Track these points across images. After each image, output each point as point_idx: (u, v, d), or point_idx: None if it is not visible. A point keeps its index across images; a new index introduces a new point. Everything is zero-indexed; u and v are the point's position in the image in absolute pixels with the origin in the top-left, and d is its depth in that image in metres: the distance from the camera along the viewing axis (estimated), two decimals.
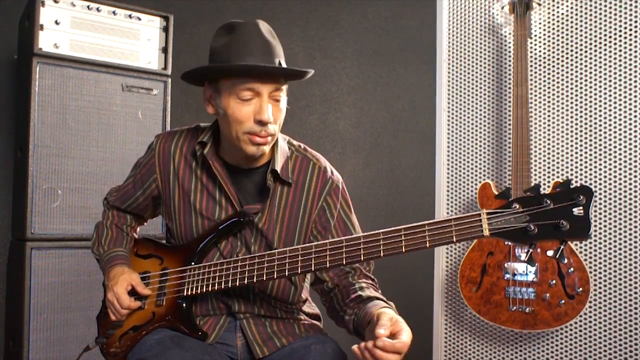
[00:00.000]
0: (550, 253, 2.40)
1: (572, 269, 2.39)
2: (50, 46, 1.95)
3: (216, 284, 1.30)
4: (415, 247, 1.07)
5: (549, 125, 2.72)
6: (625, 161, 2.49)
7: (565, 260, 2.36)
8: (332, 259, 1.15)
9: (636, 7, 2.49)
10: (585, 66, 2.62)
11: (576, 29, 2.65)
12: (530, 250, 1.05)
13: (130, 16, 2.11)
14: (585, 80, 2.62)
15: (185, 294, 1.34)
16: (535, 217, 1.00)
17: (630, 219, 2.46)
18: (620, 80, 2.53)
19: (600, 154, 2.56)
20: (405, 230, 1.08)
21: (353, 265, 1.34)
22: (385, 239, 1.10)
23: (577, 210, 0.97)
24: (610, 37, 2.56)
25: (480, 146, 2.99)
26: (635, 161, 2.47)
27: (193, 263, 1.36)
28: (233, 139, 1.30)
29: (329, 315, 1.41)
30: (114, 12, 2.08)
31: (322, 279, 1.39)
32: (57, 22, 1.96)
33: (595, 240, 2.55)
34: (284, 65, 1.30)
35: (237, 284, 1.27)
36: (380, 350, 1.03)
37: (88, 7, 2.03)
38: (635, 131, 2.48)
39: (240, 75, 1.25)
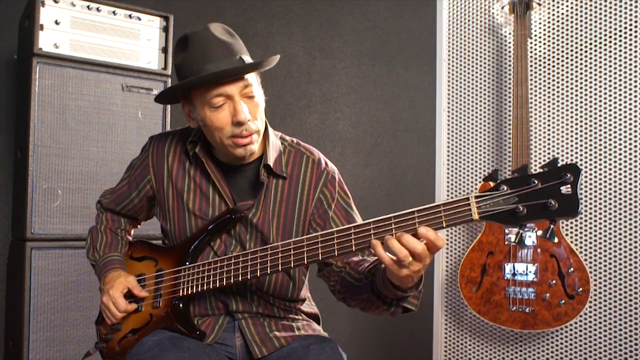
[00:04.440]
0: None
1: (572, 269, 2.39)
2: (50, 46, 1.95)
3: (211, 283, 1.30)
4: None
5: (549, 125, 2.72)
6: (625, 161, 2.49)
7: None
8: (324, 250, 1.15)
9: (636, 7, 2.49)
10: (585, 66, 2.62)
11: (576, 29, 2.65)
12: (521, 231, 1.05)
13: (130, 16, 2.11)
14: (585, 80, 2.62)
15: (180, 294, 1.34)
16: (523, 198, 0.99)
17: (631, 219, 2.46)
18: (620, 80, 2.53)
19: (600, 154, 2.56)
20: (395, 218, 1.08)
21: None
22: (375, 227, 1.10)
23: (565, 189, 0.96)
24: (610, 37, 2.56)
25: (480, 146, 2.99)
26: (636, 161, 2.47)
27: (188, 263, 1.36)
28: (220, 146, 1.31)
29: (339, 298, 1.40)
30: (114, 12, 2.08)
31: (328, 262, 1.37)
32: (57, 22, 1.96)
33: (596, 240, 2.55)
34: (246, 60, 1.28)
35: (232, 281, 1.27)
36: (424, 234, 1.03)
37: (88, 7, 2.03)
38: (636, 131, 2.48)
39: (205, 84, 1.24)
